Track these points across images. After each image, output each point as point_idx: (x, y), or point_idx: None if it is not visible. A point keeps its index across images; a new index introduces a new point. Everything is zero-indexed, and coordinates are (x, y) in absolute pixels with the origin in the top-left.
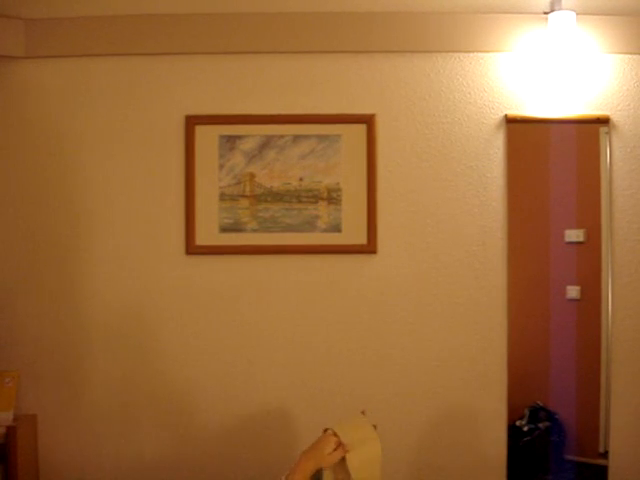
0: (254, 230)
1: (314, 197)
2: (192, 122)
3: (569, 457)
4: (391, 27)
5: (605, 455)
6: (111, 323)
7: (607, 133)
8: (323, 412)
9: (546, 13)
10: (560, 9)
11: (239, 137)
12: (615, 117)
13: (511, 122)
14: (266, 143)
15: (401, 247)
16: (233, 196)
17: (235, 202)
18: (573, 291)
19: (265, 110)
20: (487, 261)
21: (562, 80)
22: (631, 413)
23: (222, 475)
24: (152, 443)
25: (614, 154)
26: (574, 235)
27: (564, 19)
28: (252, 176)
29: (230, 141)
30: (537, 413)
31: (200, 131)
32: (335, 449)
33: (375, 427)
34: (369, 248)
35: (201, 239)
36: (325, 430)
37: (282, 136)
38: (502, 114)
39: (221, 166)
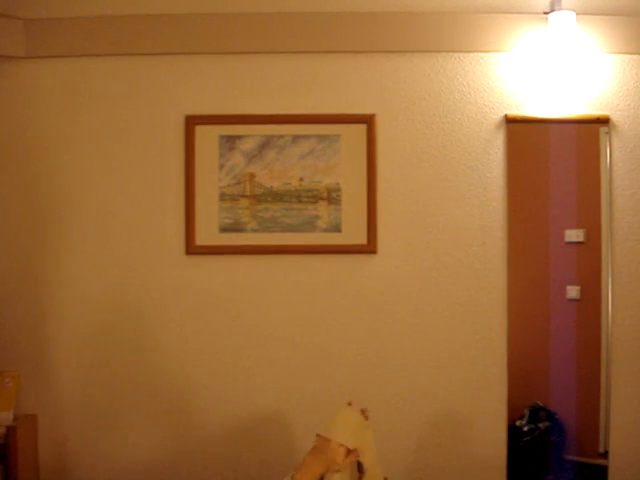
0: (254, 230)
1: (314, 197)
2: (192, 122)
3: (569, 457)
4: (391, 27)
5: (605, 455)
6: (111, 323)
7: (607, 133)
8: (323, 412)
9: (546, 13)
10: (560, 9)
11: (239, 137)
12: (615, 117)
13: (511, 122)
14: (266, 143)
15: (401, 247)
16: (233, 196)
17: (235, 202)
18: (573, 291)
19: (265, 110)
20: (487, 261)
21: (562, 80)
22: (631, 413)
23: (222, 475)
24: (152, 443)
25: (614, 154)
26: (574, 235)
27: (564, 19)
28: (252, 176)
29: (230, 141)
30: (537, 413)
31: (200, 131)
32: (346, 456)
33: (364, 411)
34: (369, 248)
35: (201, 239)
36: (317, 436)
37: (282, 136)
38: (502, 114)
39: (221, 166)
